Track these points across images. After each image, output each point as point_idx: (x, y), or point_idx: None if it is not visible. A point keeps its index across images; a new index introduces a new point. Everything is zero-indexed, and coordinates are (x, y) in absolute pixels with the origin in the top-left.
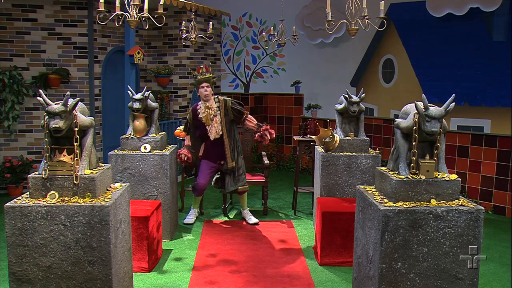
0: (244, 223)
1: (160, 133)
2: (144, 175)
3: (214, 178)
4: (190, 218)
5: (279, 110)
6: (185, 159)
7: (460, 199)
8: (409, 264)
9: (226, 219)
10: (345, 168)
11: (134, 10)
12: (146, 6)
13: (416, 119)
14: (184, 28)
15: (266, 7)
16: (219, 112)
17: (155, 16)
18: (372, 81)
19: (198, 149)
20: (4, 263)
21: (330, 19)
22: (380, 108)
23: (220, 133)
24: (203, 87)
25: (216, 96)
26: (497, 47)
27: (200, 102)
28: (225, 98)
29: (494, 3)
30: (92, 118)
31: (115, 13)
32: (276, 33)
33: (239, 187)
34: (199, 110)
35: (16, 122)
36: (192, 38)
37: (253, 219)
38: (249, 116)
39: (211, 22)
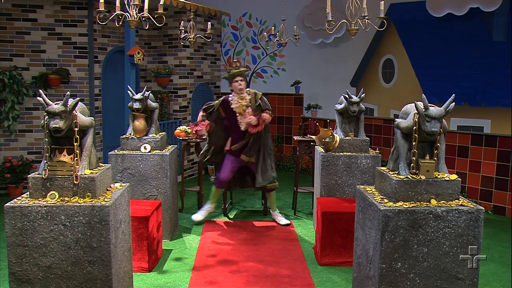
0: (245, 223)
1: (160, 133)
2: (144, 175)
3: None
4: (200, 213)
5: (279, 110)
6: (200, 125)
7: (460, 199)
8: (409, 264)
9: (226, 219)
10: (345, 168)
11: (134, 10)
12: (146, 6)
13: (416, 119)
14: (183, 28)
15: (266, 7)
16: (250, 104)
17: (155, 16)
18: (372, 81)
19: (220, 141)
20: (4, 263)
21: (330, 19)
22: (380, 108)
23: (255, 122)
24: (237, 81)
25: (248, 89)
26: (497, 47)
27: (231, 94)
28: (256, 91)
29: (494, 3)
30: (92, 118)
31: (115, 13)
32: (276, 33)
33: (268, 184)
34: (231, 102)
35: (16, 122)
36: (190, 38)
37: (284, 220)
38: (268, 117)
39: (209, 22)
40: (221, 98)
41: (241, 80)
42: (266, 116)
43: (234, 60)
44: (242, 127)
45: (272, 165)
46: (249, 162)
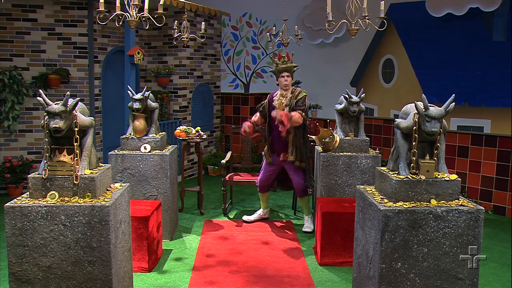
0: (244, 223)
1: (160, 133)
2: (144, 175)
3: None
4: (252, 216)
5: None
6: (246, 129)
7: (460, 199)
8: (409, 264)
9: (226, 219)
10: (345, 168)
11: (134, 10)
12: (146, 6)
13: (416, 119)
14: (176, 28)
15: (266, 7)
16: (290, 103)
17: (155, 16)
18: (372, 81)
19: (266, 135)
20: (4, 263)
21: (331, 19)
22: (380, 108)
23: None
24: (283, 76)
25: (296, 88)
26: (497, 47)
27: (277, 91)
28: (301, 90)
29: (494, 3)
30: (92, 118)
31: (115, 13)
32: (278, 32)
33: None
34: (274, 98)
35: (16, 122)
36: (184, 38)
37: (308, 228)
38: (297, 117)
39: (203, 23)
40: (269, 96)
41: (287, 76)
42: (295, 114)
43: (283, 55)
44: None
45: (308, 171)
46: (301, 167)
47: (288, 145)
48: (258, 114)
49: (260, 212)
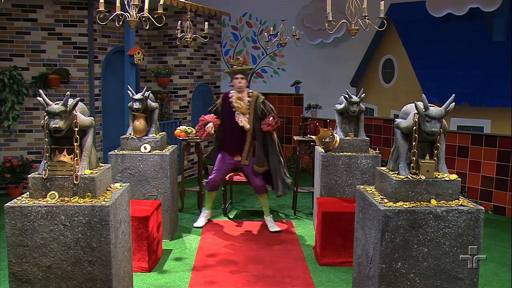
0: (245, 223)
1: (160, 133)
2: (144, 175)
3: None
4: (201, 221)
5: (279, 110)
6: (210, 131)
7: (460, 199)
8: (409, 264)
9: (226, 219)
10: (345, 168)
11: (134, 10)
12: (146, 6)
13: (416, 119)
14: (180, 28)
15: (266, 7)
16: (249, 107)
17: (155, 16)
18: (372, 81)
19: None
20: (4, 263)
21: (331, 19)
22: (380, 108)
23: (247, 126)
24: (237, 78)
25: (251, 91)
26: (497, 47)
27: (233, 91)
28: (259, 94)
29: (494, 3)
30: (92, 118)
31: (115, 13)
32: (276, 33)
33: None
34: (231, 99)
35: (16, 122)
36: (187, 38)
37: (274, 227)
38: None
39: (207, 23)
40: (222, 95)
41: (241, 78)
42: (277, 120)
43: (239, 56)
44: (240, 123)
45: (286, 172)
46: (261, 172)
47: (242, 148)
48: (213, 115)
49: (206, 213)
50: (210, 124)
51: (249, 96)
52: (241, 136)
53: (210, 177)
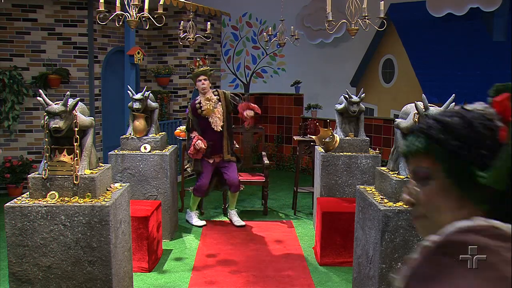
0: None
1: (160, 133)
2: (144, 175)
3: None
4: (198, 220)
5: (279, 110)
6: (200, 147)
7: None
8: None
9: (226, 219)
10: (345, 168)
11: (134, 10)
12: (146, 6)
13: (416, 119)
14: (182, 28)
15: (266, 7)
16: (219, 103)
17: (155, 16)
18: (372, 81)
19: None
20: (4, 263)
21: (331, 19)
22: (380, 108)
23: (222, 124)
24: (200, 80)
25: (215, 89)
26: (497, 47)
27: (198, 97)
28: (224, 91)
29: (494, 3)
30: (92, 118)
31: (115, 13)
32: (276, 33)
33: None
34: (198, 105)
35: (16, 122)
36: (190, 38)
37: (239, 222)
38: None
39: (209, 23)
40: (189, 106)
41: (204, 80)
42: (252, 106)
43: (198, 59)
44: (216, 128)
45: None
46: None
47: (222, 146)
48: (195, 133)
49: (196, 213)
50: (199, 142)
51: (215, 95)
52: (218, 138)
53: (198, 183)
